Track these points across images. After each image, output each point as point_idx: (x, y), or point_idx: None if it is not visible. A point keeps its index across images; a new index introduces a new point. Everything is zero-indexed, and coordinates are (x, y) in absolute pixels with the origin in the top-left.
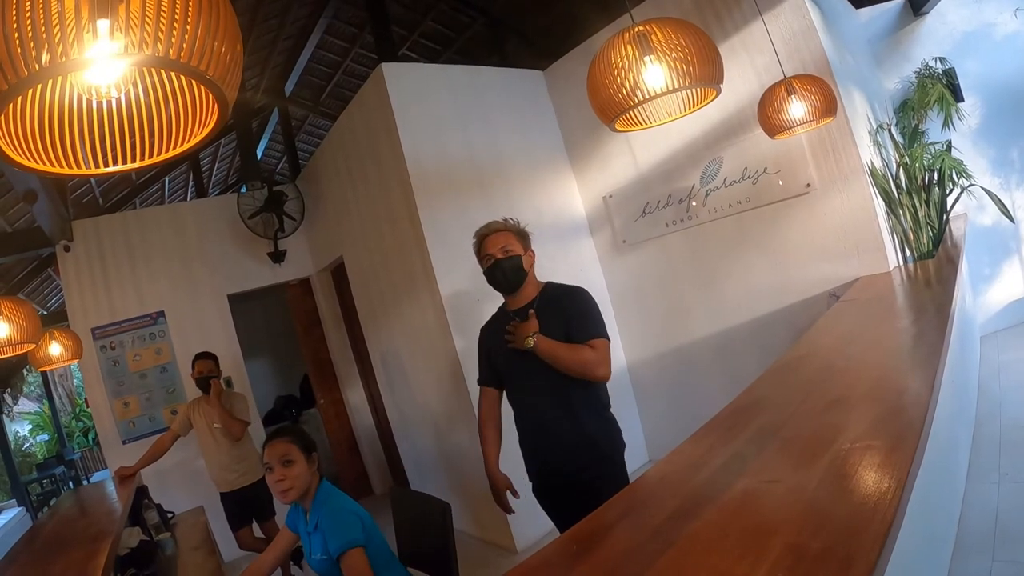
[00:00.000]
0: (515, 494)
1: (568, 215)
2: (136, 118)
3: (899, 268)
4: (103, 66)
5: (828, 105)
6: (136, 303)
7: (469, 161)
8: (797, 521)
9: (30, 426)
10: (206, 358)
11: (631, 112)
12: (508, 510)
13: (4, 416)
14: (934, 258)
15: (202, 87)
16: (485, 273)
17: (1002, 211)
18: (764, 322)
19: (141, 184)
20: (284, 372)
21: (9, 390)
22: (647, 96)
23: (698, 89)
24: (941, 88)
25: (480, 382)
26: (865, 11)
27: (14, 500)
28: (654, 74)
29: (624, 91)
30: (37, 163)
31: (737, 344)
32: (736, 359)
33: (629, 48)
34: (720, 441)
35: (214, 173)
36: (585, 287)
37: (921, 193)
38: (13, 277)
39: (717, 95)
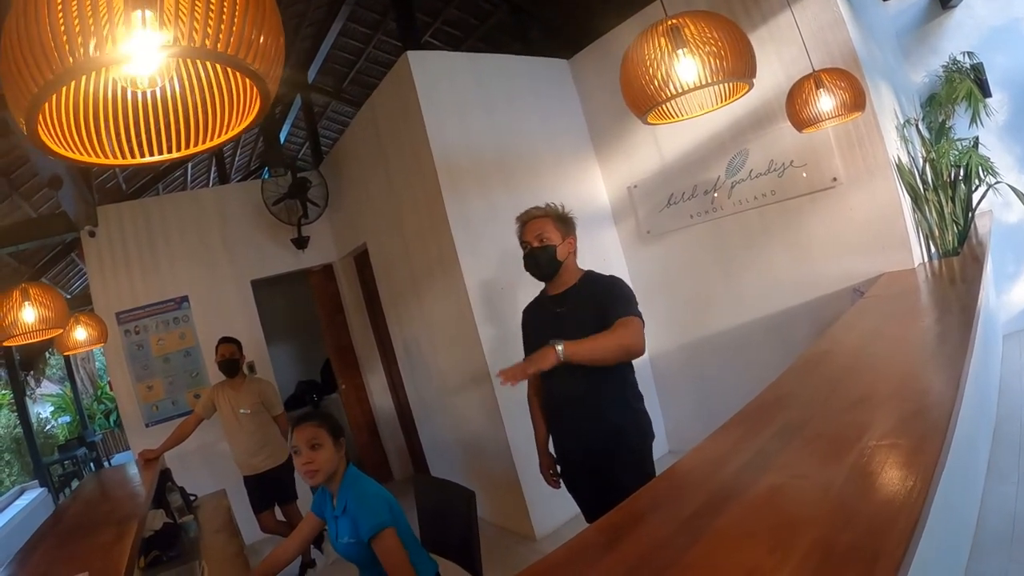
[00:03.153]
0: (555, 481)
1: (592, 205)
2: (175, 108)
3: (924, 265)
4: (147, 58)
5: (857, 99)
6: (160, 288)
7: (494, 149)
8: (824, 517)
9: (52, 408)
10: (229, 342)
11: (663, 105)
12: (555, 486)
13: (27, 398)
14: (959, 255)
15: (243, 78)
16: (523, 260)
17: None
18: (786, 316)
19: (164, 170)
20: (305, 357)
21: (31, 372)
22: (680, 90)
23: (730, 83)
24: (969, 84)
25: None
26: (893, 3)
27: (36, 481)
28: (687, 68)
29: (655, 84)
30: (75, 153)
31: (759, 337)
32: (758, 352)
33: (662, 41)
34: (746, 436)
35: (236, 159)
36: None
37: (947, 189)
38: (36, 262)
39: (750, 89)
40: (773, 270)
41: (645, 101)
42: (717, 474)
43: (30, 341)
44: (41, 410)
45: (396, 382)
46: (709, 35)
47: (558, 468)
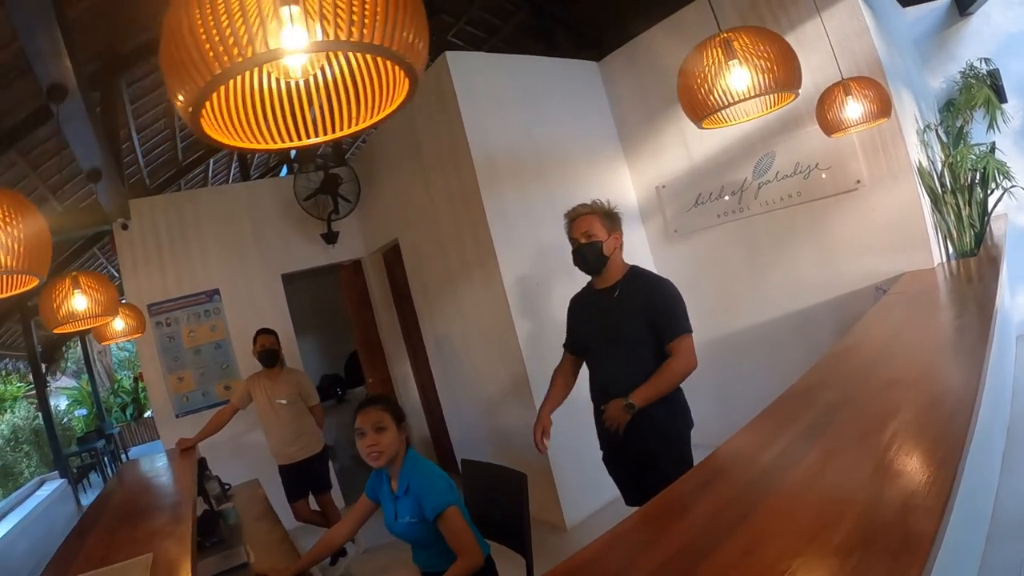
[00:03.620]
0: (542, 446)
1: (621, 204)
2: (326, 93)
3: (942, 265)
4: (301, 54)
5: (883, 107)
6: (191, 281)
7: (529, 147)
8: (863, 497)
9: (68, 401)
10: (268, 333)
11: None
12: (539, 449)
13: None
14: (976, 256)
15: (390, 64)
16: (572, 255)
17: None
18: (810, 314)
19: (186, 166)
20: (329, 351)
21: (50, 365)
22: (733, 99)
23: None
24: (987, 91)
25: (565, 346)
26: (912, 10)
27: (56, 472)
28: (740, 78)
29: (715, 95)
30: (234, 139)
31: (783, 334)
32: (782, 349)
33: (717, 52)
34: (785, 421)
35: (256, 156)
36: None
37: (965, 193)
38: (60, 255)
39: (795, 98)
40: (798, 269)
41: (701, 108)
42: (758, 459)
43: (79, 329)
44: (57, 403)
45: (423, 376)
46: (760, 49)
47: (549, 438)
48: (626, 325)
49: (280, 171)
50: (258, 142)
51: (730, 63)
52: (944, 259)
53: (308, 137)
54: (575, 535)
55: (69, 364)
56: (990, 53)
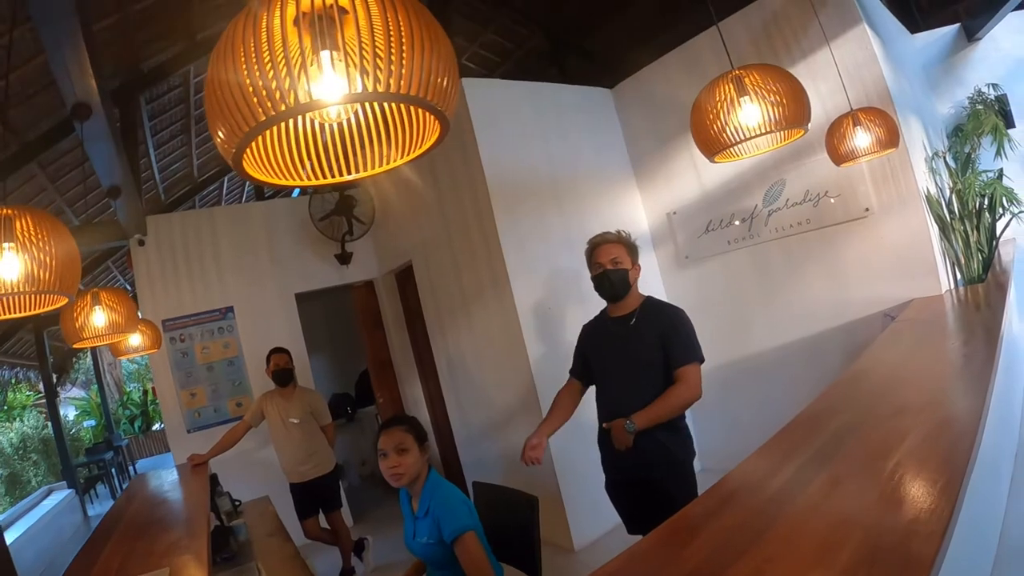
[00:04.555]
0: (535, 460)
1: (632, 230)
2: (361, 134)
3: (950, 291)
4: (340, 105)
5: (891, 137)
6: (206, 298)
7: (543, 173)
8: (867, 522)
9: (76, 411)
10: (282, 352)
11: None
12: (525, 461)
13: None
14: (984, 282)
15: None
16: (593, 279)
17: None
18: (820, 340)
19: (202, 183)
20: (340, 370)
21: (61, 376)
22: (745, 135)
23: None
24: (995, 119)
25: (571, 372)
26: (921, 36)
27: (64, 482)
28: (751, 114)
29: (727, 132)
30: (274, 177)
31: (792, 360)
32: (791, 374)
33: (730, 88)
34: (798, 444)
35: None
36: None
37: (973, 219)
38: None
39: (804, 134)
40: (807, 296)
41: (714, 144)
42: (767, 484)
43: (98, 344)
44: (66, 413)
45: (434, 396)
46: (771, 86)
47: (541, 455)
48: (642, 353)
49: (294, 191)
50: (296, 178)
51: (742, 100)
52: (952, 286)
53: (341, 175)
54: (583, 557)
55: (79, 375)
56: (998, 78)
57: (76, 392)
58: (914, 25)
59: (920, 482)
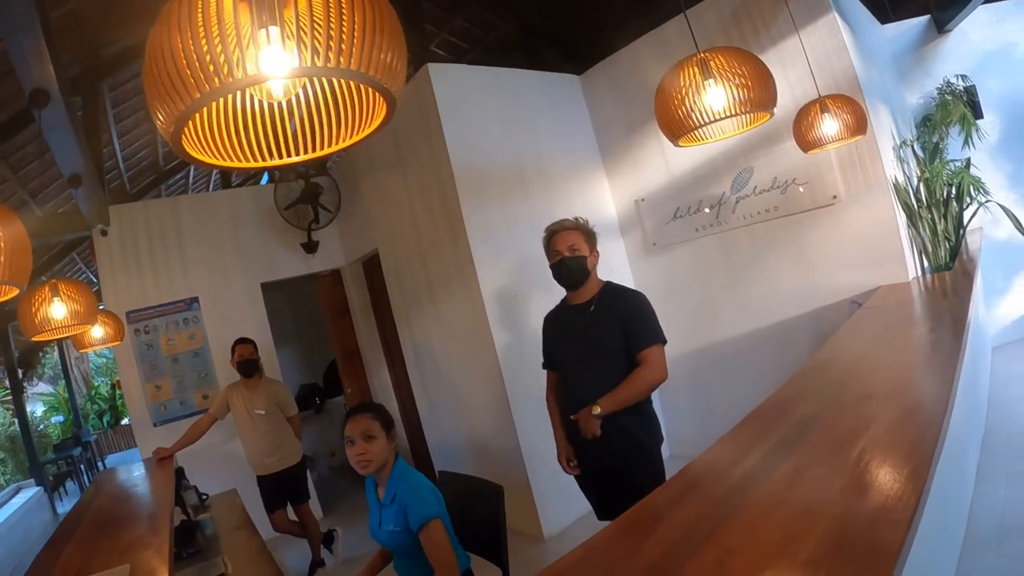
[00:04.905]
0: (573, 467)
1: (600, 217)
2: (308, 114)
3: (917, 279)
4: (281, 79)
5: (859, 124)
6: (170, 289)
7: (509, 160)
8: (833, 510)
9: (44, 407)
10: (247, 343)
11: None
12: (570, 471)
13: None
14: (951, 270)
15: (368, 87)
16: (551, 267)
17: (1016, 227)
18: (787, 326)
19: (167, 171)
20: (307, 361)
21: (27, 371)
22: (710, 118)
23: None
24: (963, 108)
25: (544, 366)
26: (891, 26)
27: (32, 479)
28: (716, 98)
29: (692, 115)
30: (215, 159)
31: (760, 346)
32: (758, 360)
33: (695, 71)
34: (763, 432)
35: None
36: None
37: (940, 207)
38: (38, 259)
39: (770, 117)
40: (775, 283)
41: (679, 127)
42: (731, 472)
43: (58, 337)
44: (33, 409)
45: (401, 385)
46: (737, 69)
47: (575, 460)
48: (603, 339)
49: (261, 179)
50: (238, 160)
51: (707, 83)
52: (919, 273)
53: (288, 156)
54: (552, 546)
55: (46, 370)
56: (967, 70)
57: (43, 387)
58: (884, 16)
59: (887, 469)
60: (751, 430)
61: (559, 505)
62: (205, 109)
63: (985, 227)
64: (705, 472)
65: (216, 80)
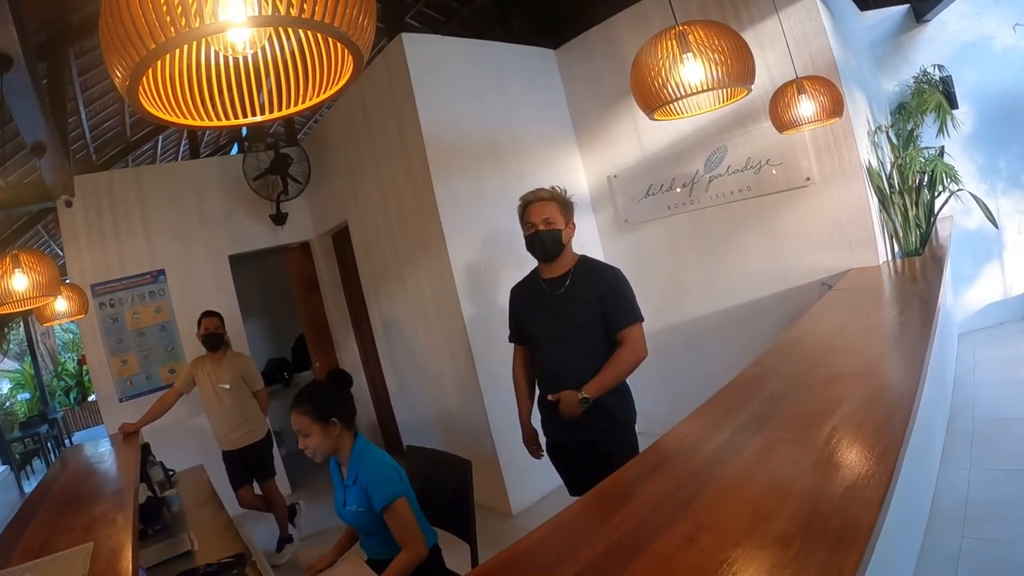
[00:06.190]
0: (539, 451)
1: (572, 192)
2: (272, 71)
3: (888, 263)
4: (241, 29)
5: (835, 106)
6: (136, 261)
7: (482, 133)
8: (803, 488)
9: (10, 384)
10: (212, 316)
11: (669, 104)
12: (537, 456)
13: None
14: (920, 256)
15: (335, 42)
16: (525, 239)
17: (987, 216)
18: (757, 306)
19: (134, 142)
20: (276, 335)
21: None
22: (687, 91)
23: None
24: (939, 97)
25: (511, 340)
26: (870, 14)
27: None
28: (694, 71)
29: (668, 88)
30: (174, 116)
31: (729, 325)
32: (727, 339)
33: (672, 44)
34: (732, 409)
35: (207, 133)
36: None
37: (912, 194)
38: (2, 232)
39: (748, 93)
40: (746, 262)
41: (654, 100)
42: (701, 448)
43: (20, 309)
44: None
45: (371, 360)
46: (715, 43)
47: (542, 441)
48: (578, 314)
49: (231, 149)
50: (200, 119)
51: (684, 56)
52: (889, 257)
53: (253, 115)
54: (521, 521)
55: (11, 346)
56: (944, 60)
57: (8, 364)
58: (864, 3)
59: (857, 448)
60: (720, 406)
61: (527, 480)
62: (166, 63)
63: (956, 216)
64: (674, 448)
65: (172, 29)
